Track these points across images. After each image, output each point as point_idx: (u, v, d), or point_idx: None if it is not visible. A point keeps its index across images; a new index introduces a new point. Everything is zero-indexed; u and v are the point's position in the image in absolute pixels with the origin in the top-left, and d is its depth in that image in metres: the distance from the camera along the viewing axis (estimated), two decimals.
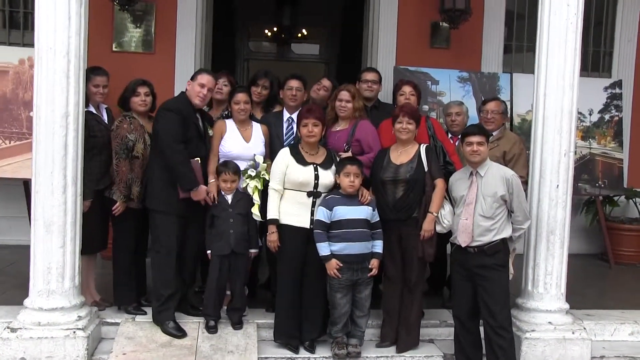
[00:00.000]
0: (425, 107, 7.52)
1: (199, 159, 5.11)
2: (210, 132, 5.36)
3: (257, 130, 5.44)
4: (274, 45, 12.87)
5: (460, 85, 7.74)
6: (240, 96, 5.37)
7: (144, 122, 5.32)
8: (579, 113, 7.56)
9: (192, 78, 5.27)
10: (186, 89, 5.28)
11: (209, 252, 5.15)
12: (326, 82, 6.12)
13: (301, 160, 4.97)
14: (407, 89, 5.74)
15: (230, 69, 9.74)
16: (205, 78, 5.21)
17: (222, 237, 5.09)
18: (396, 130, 5.08)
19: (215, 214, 5.14)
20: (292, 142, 5.38)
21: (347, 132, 5.35)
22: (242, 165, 5.21)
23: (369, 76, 6.06)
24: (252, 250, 5.24)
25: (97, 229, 5.31)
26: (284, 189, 4.96)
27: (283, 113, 5.64)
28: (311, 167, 4.96)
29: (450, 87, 7.69)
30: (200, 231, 5.20)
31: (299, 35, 12.55)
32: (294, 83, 5.63)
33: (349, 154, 5.21)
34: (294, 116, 5.47)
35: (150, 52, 7.70)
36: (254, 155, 5.25)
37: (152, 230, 5.14)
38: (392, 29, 8.10)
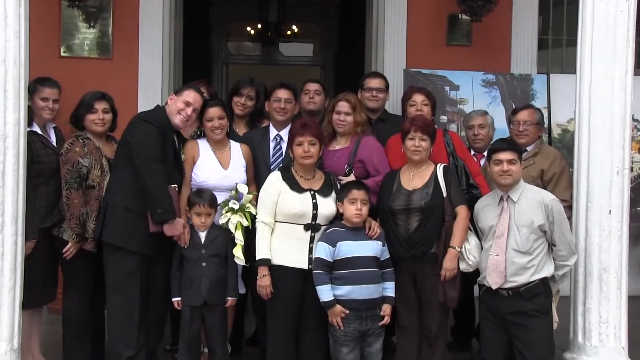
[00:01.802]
0: (444, 118, 7.54)
1: (176, 186, 5.10)
2: (183, 156, 5.35)
3: (237, 152, 5.42)
4: (258, 46, 12.96)
5: (486, 91, 7.75)
6: (213, 111, 5.32)
7: (101, 145, 5.30)
8: (635, 120, 7.53)
9: (177, 93, 5.30)
10: (166, 104, 5.29)
11: (175, 300, 5.11)
12: (312, 86, 6.04)
13: (296, 187, 4.95)
14: (418, 97, 5.70)
15: (206, 76, 9.75)
16: (192, 96, 5.21)
17: (193, 285, 5.06)
18: (407, 148, 5.07)
19: (184, 255, 5.10)
20: (281, 164, 5.37)
21: (348, 151, 5.34)
22: (219, 198, 5.18)
23: (374, 83, 6.07)
24: (229, 299, 5.17)
25: (44, 276, 5.26)
26: (276, 221, 4.94)
27: (269, 130, 5.64)
28: (308, 195, 4.94)
29: (473, 93, 7.70)
30: (168, 273, 5.17)
31: (289, 33, 12.62)
32: (283, 93, 5.62)
33: (352, 177, 5.20)
34: (283, 133, 5.48)
35: (107, 57, 7.69)
36: (236, 184, 5.23)
37: (110, 274, 5.06)
38: (400, 24, 8.09)
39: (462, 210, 4.96)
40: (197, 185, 5.27)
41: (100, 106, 5.31)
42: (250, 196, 5.14)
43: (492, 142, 5.51)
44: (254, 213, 5.05)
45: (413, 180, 5.06)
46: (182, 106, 5.15)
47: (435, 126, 5.37)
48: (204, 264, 5.07)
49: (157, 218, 4.92)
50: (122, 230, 4.99)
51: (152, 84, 7.67)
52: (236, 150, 5.42)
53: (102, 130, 5.34)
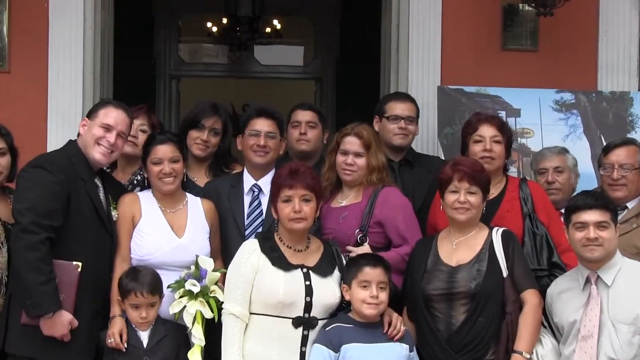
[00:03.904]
0: None
1: (79, 264, 5.04)
2: (115, 213, 5.34)
3: (197, 212, 5.46)
4: (223, 51, 13.05)
5: (561, 117, 7.70)
6: (163, 150, 5.33)
7: None
8: None
9: (90, 115, 5.32)
10: (78, 135, 5.31)
11: None
12: (304, 115, 6.12)
13: (281, 262, 4.97)
14: (488, 130, 5.65)
15: (148, 97, 9.77)
16: (113, 115, 5.24)
17: None
18: (448, 205, 5.08)
19: None
20: (260, 229, 5.40)
21: (359, 208, 5.37)
22: (171, 278, 5.18)
23: (402, 109, 6.15)
24: None
25: None
26: (251, 313, 4.94)
27: (243, 178, 5.67)
28: (299, 274, 4.96)
29: (541, 121, 7.65)
30: None
31: (268, 30, 12.72)
32: (262, 124, 5.65)
33: (366, 248, 5.22)
34: (263, 183, 5.54)
35: (1, 69, 7.69)
36: (197, 256, 5.22)
37: None
38: (433, 19, 8.09)
39: (531, 298, 4.95)
40: (137, 260, 5.26)
41: None
42: (218, 275, 5.16)
43: (573, 195, 5.52)
44: (220, 299, 5.05)
45: (457, 251, 5.08)
46: (101, 133, 5.16)
47: (509, 172, 5.33)
48: None
49: (29, 312, 4.91)
50: (36, 335, 4.95)
51: (67, 109, 7.62)
52: (195, 208, 5.46)
53: None
